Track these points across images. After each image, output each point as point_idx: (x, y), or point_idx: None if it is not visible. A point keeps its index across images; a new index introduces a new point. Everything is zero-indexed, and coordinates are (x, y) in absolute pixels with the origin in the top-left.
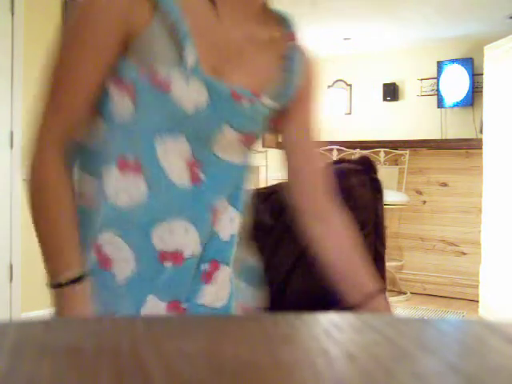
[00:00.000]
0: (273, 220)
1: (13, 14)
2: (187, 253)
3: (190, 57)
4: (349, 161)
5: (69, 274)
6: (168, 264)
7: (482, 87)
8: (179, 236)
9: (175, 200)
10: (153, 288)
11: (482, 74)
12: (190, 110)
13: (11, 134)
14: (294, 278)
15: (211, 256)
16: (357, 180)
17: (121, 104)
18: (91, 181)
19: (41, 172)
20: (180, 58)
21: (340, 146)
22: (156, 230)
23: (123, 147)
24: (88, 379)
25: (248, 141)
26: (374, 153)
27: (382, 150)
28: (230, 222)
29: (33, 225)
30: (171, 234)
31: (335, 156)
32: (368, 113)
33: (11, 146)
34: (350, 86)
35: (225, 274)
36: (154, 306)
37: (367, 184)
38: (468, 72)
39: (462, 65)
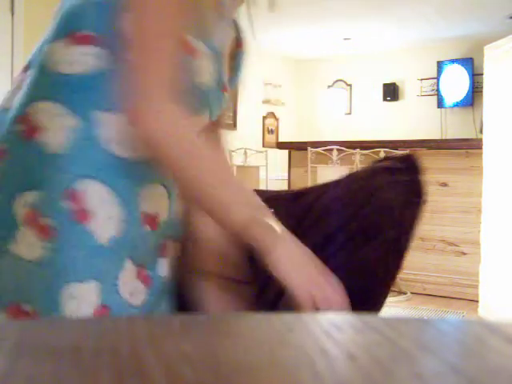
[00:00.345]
0: (295, 226)
1: (13, 14)
2: (162, 219)
3: (217, 40)
4: (393, 158)
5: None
6: (146, 228)
7: (481, 87)
8: (159, 200)
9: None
10: (130, 251)
11: (482, 74)
12: (202, 84)
13: None
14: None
15: (169, 231)
16: (385, 180)
17: None
18: (71, 119)
19: (177, 126)
20: (209, 38)
21: (340, 145)
22: (144, 189)
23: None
24: (88, 379)
25: (209, 129)
26: (373, 153)
27: (382, 150)
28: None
29: (189, 184)
30: (153, 196)
31: (335, 156)
32: (368, 113)
33: None
34: (350, 86)
35: (173, 251)
36: (130, 272)
37: (399, 185)
38: (468, 72)
39: (462, 65)
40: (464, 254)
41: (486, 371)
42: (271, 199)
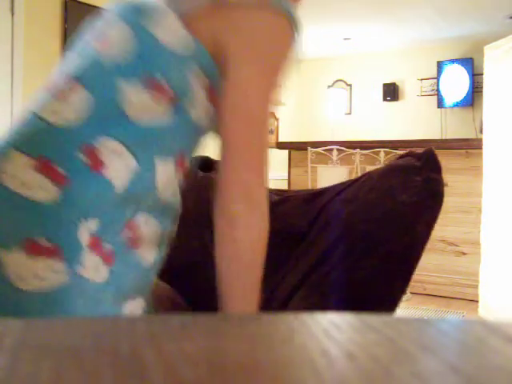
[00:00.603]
0: (306, 228)
1: (13, 14)
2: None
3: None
4: (411, 155)
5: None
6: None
7: (482, 87)
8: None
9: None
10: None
11: (482, 74)
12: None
13: None
14: (296, 296)
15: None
16: (399, 180)
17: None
18: (133, 162)
19: (266, 220)
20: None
21: (340, 145)
22: (175, 222)
23: (185, 147)
24: (88, 379)
25: None
26: (373, 153)
27: (382, 150)
28: None
29: (251, 267)
30: (171, 233)
31: (335, 156)
32: (368, 113)
33: None
34: (350, 86)
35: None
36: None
37: (413, 186)
38: (468, 72)
39: (462, 65)
40: (464, 253)
41: (486, 371)
42: (288, 199)
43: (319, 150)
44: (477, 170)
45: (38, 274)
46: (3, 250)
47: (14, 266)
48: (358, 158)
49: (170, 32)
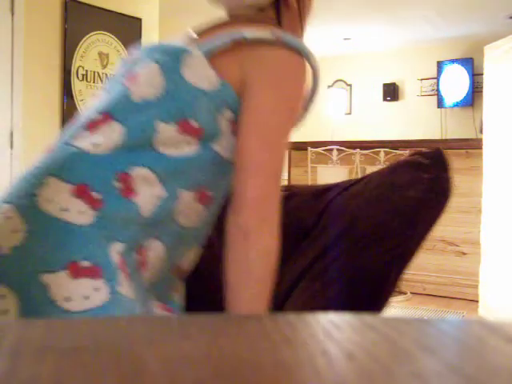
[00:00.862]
0: (315, 223)
1: (13, 14)
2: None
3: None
4: (420, 153)
5: None
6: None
7: (482, 87)
8: (191, 256)
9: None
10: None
11: (482, 74)
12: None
13: (11, 134)
14: (295, 292)
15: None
16: (407, 176)
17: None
18: (161, 191)
19: (276, 236)
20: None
21: (340, 145)
22: (189, 250)
23: (210, 178)
24: (88, 379)
25: None
26: (373, 153)
27: (382, 150)
28: None
29: (263, 278)
30: (190, 254)
31: (335, 156)
32: (368, 113)
33: (11, 146)
34: (350, 86)
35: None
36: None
37: (421, 183)
38: (468, 72)
39: (462, 65)
40: (464, 253)
41: (486, 371)
42: (296, 194)
43: (319, 149)
44: (477, 170)
45: (82, 294)
46: (48, 274)
47: (59, 288)
48: (357, 158)
49: (197, 71)
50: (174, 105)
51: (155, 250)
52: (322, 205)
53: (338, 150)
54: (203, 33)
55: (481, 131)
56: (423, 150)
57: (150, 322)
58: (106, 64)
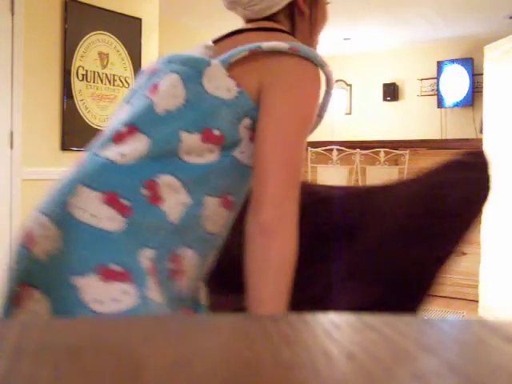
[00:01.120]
0: (357, 221)
1: (13, 14)
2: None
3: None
4: (465, 154)
5: None
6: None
7: (482, 87)
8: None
9: None
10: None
11: (482, 74)
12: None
13: (11, 134)
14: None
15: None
16: (458, 175)
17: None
18: (186, 198)
19: (295, 232)
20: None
21: (340, 145)
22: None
23: (232, 185)
24: (88, 379)
25: None
26: (373, 153)
27: (382, 150)
28: None
29: (280, 276)
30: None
31: (335, 156)
32: (368, 113)
33: (11, 146)
34: (350, 86)
35: None
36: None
37: (471, 182)
38: (468, 72)
39: (462, 65)
40: (464, 253)
41: (486, 371)
42: (324, 201)
43: (319, 149)
44: None
45: (112, 297)
46: (79, 277)
47: (90, 291)
48: (357, 158)
49: (216, 81)
50: (196, 115)
51: (189, 258)
52: (364, 205)
53: (337, 149)
54: (221, 42)
55: (481, 131)
56: (466, 150)
57: (150, 322)
58: (106, 64)
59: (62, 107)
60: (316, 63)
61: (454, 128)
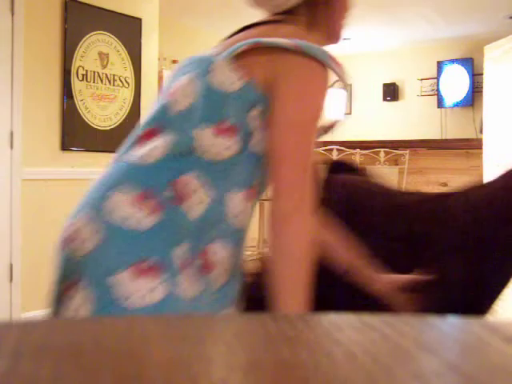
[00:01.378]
0: (432, 227)
1: (13, 14)
2: None
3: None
4: None
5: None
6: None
7: (481, 87)
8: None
9: None
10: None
11: (482, 74)
12: None
13: (11, 134)
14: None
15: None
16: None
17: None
18: (207, 197)
19: (310, 218)
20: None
21: (340, 145)
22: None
23: (251, 176)
24: (88, 379)
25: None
26: (373, 153)
27: (382, 150)
28: None
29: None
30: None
31: (335, 156)
32: (368, 113)
33: (11, 146)
34: (350, 86)
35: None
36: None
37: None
38: (468, 72)
39: (462, 65)
40: None
41: (486, 371)
42: (400, 206)
43: (320, 150)
44: (477, 170)
45: (141, 293)
46: (112, 276)
47: (120, 288)
48: (357, 158)
49: (220, 76)
50: (205, 111)
51: (218, 251)
52: (439, 211)
53: (337, 149)
54: (235, 36)
55: (481, 131)
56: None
57: (150, 322)
58: (106, 64)
59: (61, 107)
60: (318, 59)
61: (454, 128)
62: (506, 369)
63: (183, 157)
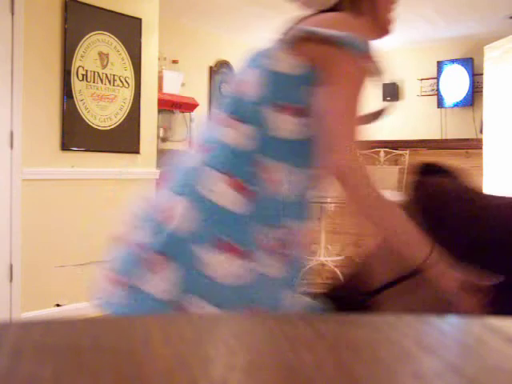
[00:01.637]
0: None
1: (13, 14)
2: None
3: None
4: None
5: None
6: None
7: (481, 87)
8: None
9: None
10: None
11: (482, 74)
12: None
13: (11, 134)
14: None
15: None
16: None
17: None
18: (289, 174)
19: (364, 174)
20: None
21: None
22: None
23: (308, 156)
24: (88, 379)
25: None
26: (374, 153)
27: (382, 150)
28: None
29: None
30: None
31: None
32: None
33: (11, 146)
34: None
35: None
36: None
37: None
38: (468, 72)
39: (462, 65)
40: None
41: (486, 371)
42: (485, 208)
43: None
44: (477, 170)
45: (226, 268)
46: (198, 245)
47: (207, 259)
48: None
49: (284, 61)
50: (271, 94)
51: (299, 228)
52: None
53: None
54: (291, 24)
55: (481, 131)
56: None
57: (150, 322)
58: (106, 64)
59: (61, 107)
60: (354, 51)
61: (454, 128)
62: (506, 369)
63: (265, 141)
